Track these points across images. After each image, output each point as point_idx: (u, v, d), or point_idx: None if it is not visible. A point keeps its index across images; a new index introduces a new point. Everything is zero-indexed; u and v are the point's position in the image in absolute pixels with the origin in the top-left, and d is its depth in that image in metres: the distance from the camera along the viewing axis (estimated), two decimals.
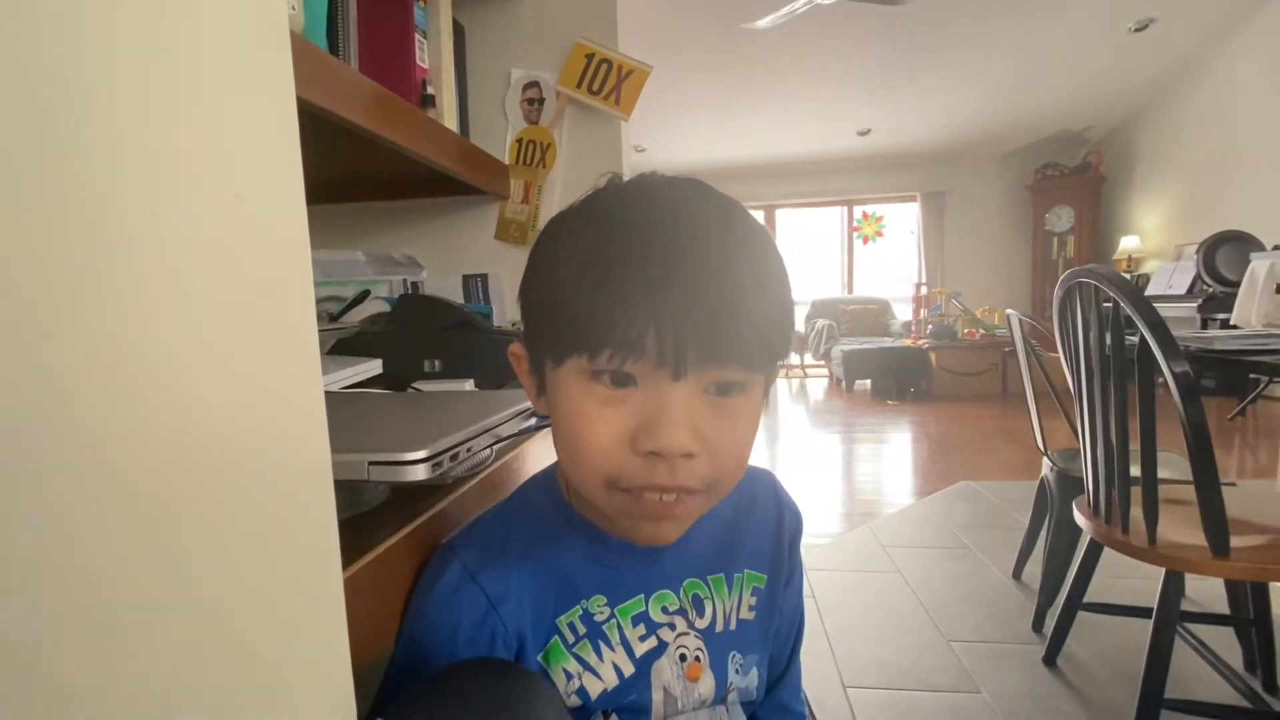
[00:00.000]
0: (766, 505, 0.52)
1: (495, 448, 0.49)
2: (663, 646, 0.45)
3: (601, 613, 0.43)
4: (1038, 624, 1.59)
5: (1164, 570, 1.06)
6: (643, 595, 0.45)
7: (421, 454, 0.36)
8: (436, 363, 0.83)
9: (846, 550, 2.13)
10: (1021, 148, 6.42)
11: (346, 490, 0.37)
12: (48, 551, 0.17)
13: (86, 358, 0.18)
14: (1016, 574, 1.88)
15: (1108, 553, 1.24)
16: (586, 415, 0.37)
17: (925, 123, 5.90)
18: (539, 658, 0.41)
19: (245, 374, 0.23)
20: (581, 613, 0.43)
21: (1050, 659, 1.45)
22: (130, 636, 0.19)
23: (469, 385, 0.79)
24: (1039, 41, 4.58)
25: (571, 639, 0.42)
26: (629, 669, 0.43)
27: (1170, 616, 1.07)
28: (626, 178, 0.41)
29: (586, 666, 0.42)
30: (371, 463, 0.36)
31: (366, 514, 0.41)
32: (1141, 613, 1.16)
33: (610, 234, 0.37)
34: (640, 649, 0.44)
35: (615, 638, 0.43)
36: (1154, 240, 5.61)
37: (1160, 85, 5.30)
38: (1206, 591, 1.68)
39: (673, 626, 0.45)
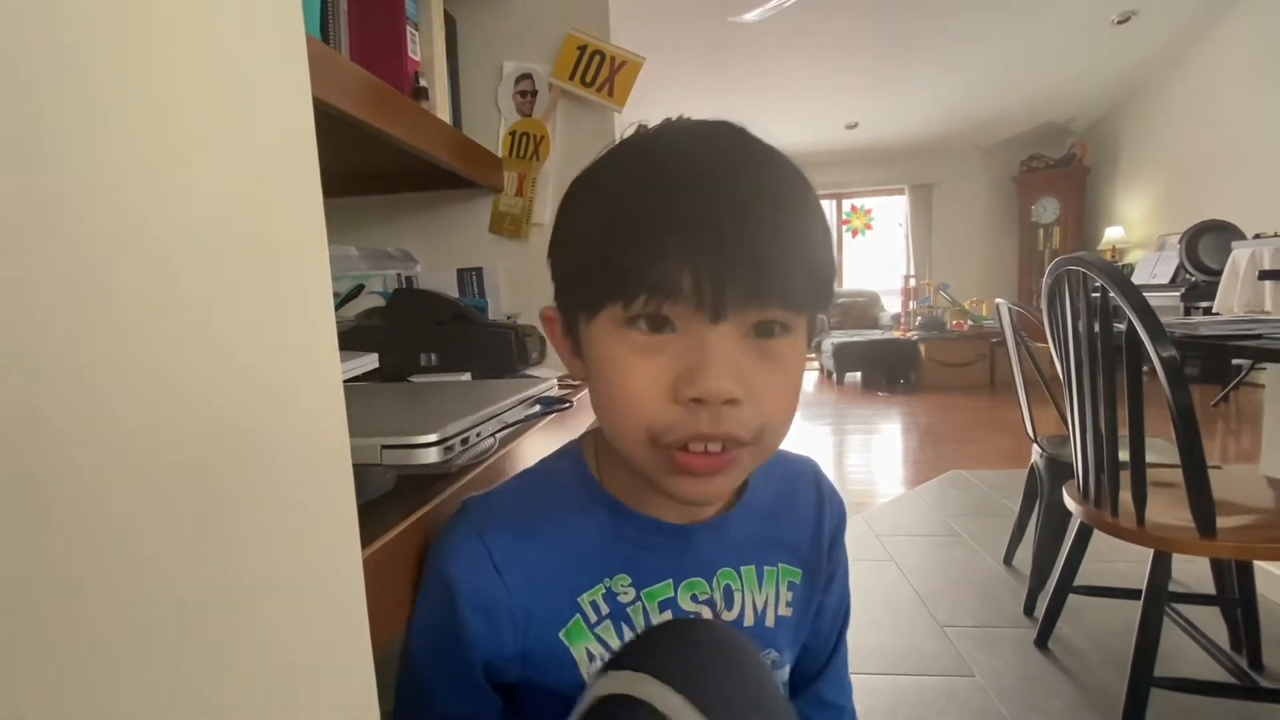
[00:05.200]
0: (806, 496, 0.49)
1: (500, 435, 0.49)
2: None
3: (626, 594, 0.41)
4: (1029, 608, 1.62)
5: (1152, 552, 1.08)
6: (671, 580, 0.42)
7: (434, 437, 0.37)
8: (433, 356, 0.83)
9: None
10: (1007, 140, 6.46)
11: (355, 478, 0.37)
12: (73, 537, 0.17)
13: (115, 346, 0.18)
14: (1008, 559, 1.90)
15: (1096, 537, 1.26)
16: (625, 366, 0.35)
17: (912, 116, 5.93)
18: (560, 635, 0.40)
19: (269, 359, 0.24)
20: (604, 591, 0.41)
21: (1042, 642, 1.47)
22: (157, 618, 0.19)
23: (466, 378, 0.79)
24: (1023, 34, 4.61)
25: (594, 618, 0.41)
26: None
27: (1158, 597, 1.09)
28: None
29: (608, 648, 0.41)
30: (384, 446, 0.36)
31: (373, 503, 0.42)
32: (1130, 594, 1.18)
33: (641, 176, 0.35)
34: None
35: (640, 621, 0.41)
36: (1138, 230, 5.68)
37: (1142, 77, 5.36)
38: (1193, 573, 1.72)
39: (699, 616, 0.43)
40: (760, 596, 0.45)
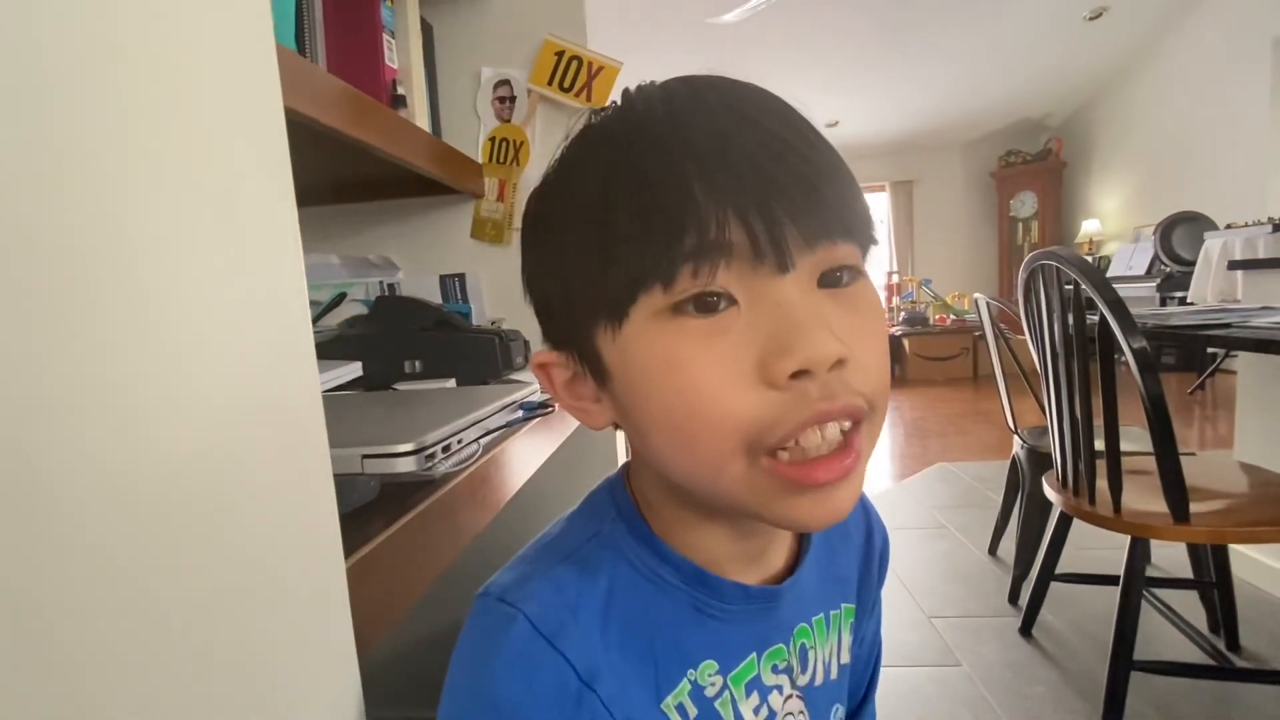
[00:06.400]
0: (855, 523, 0.43)
1: (484, 441, 0.49)
2: (771, 717, 0.35)
3: (713, 685, 0.33)
4: (1014, 597, 1.64)
5: (1129, 538, 1.11)
6: (755, 654, 0.34)
7: (413, 445, 0.37)
8: (417, 363, 0.83)
9: None
10: (985, 136, 6.55)
11: (337, 487, 0.37)
12: (55, 549, 0.18)
13: (92, 361, 0.19)
14: (992, 550, 1.93)
15: (1077, 526, 1.28)
16: (689, 362, 0.27)
17: (891, 113, 5.99)
18: None
19: (245, 372, 0.24)
20: (691, 689, 0.32)
21: (1026, 629, 1.50)
22: (135, 632, 0.20)
23: (450, 385, 0.80)
24: (998, 31, 4.68)
25: None
26: None
27: (1136, 582, 1.11)
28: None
29: None
30: (365, 455, 0.36)
31: (357, 511, 0.42)
32: (1111, 581, 1.21)
33: (633, 137, 0.28)
34: None
35: (729, 715, 0.33)
36: (1114, 223, 5.78)
37: (1115, 72, 5.45)
38: (1171, 558, 1.75)
39: (780, 689, 0.35)
40: (827, 649, 0.39)
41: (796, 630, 0.37)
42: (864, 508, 0.43)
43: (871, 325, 0.29)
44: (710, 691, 0.33)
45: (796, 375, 0.26)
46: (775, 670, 0.35)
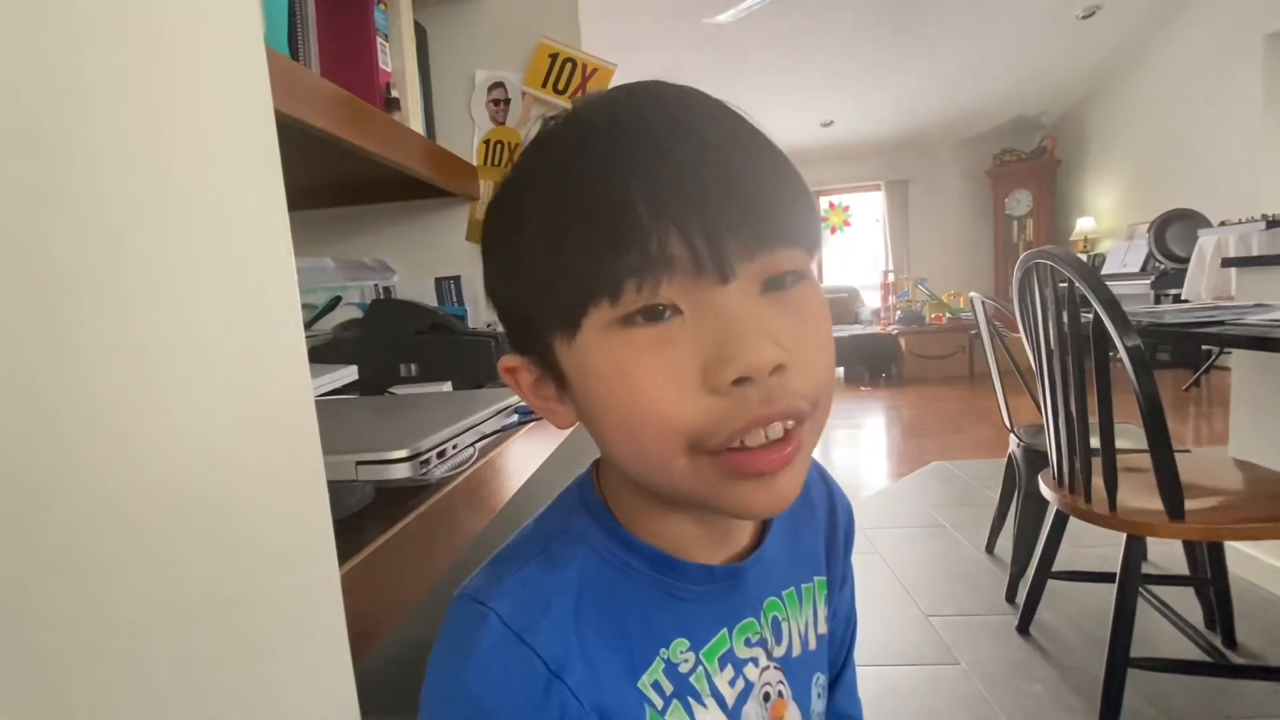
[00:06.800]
0: (819, 495, 0.45)
1: (479, 445, 0.49)
2: (749, 688, 0.36)
3: (685, 661, 0.35)
4: (1011, 595, 1.65)
5: (1125, 535, 1.11)
6: (726, 630, 0.36)
7: (407, 452, 0.37)
8: (413, 367, 0.83)
9: None
10: (979, 134, 6.57)
11: (332, 493, 0.37)
12: (49, 560, 0.18)
13: (79, 370, 0.19)
14: (989, 548, 1.94)
15: (1074, 523, 1.29)
16: (637, 371, 0.29)
17: (886, 112, 6.00)
18: None
19: (238, 380, 0.24)
20: (664, 666, 0.34)
21: (1023, 627, 1.50)
22: (134, 640, 0.20)
23: (446, 387, 0.79)
24: (991, 30, 4.70)
25: (660, 703, 0.33)
26: None
27: (1133, 579, 1.12)
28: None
29: None
30: (359, 462, 0.36)
31: (352, 517, 0.42)
32: (1107, 578, 1.21)
33: (578, 150, 0.29)
34: (731, 696, 0.36)
35: (704, 689, 0.35)
36: (1108, 220, 5.80)
37: (1109, 70, 5.47)
38: (1167, 555, 1.76)
39: (756, 662, 0.37)
40: (801, 620, 0.41)
41: (766, 604, 0.38)
42: (826, 483, 0.46)
43: (814, 328, 0.31)
44: (684, 668, 0.34)
45: (739, 381, 0.28)
46: (749, 643, 0.37)
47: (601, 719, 0.32)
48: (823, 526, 0.44)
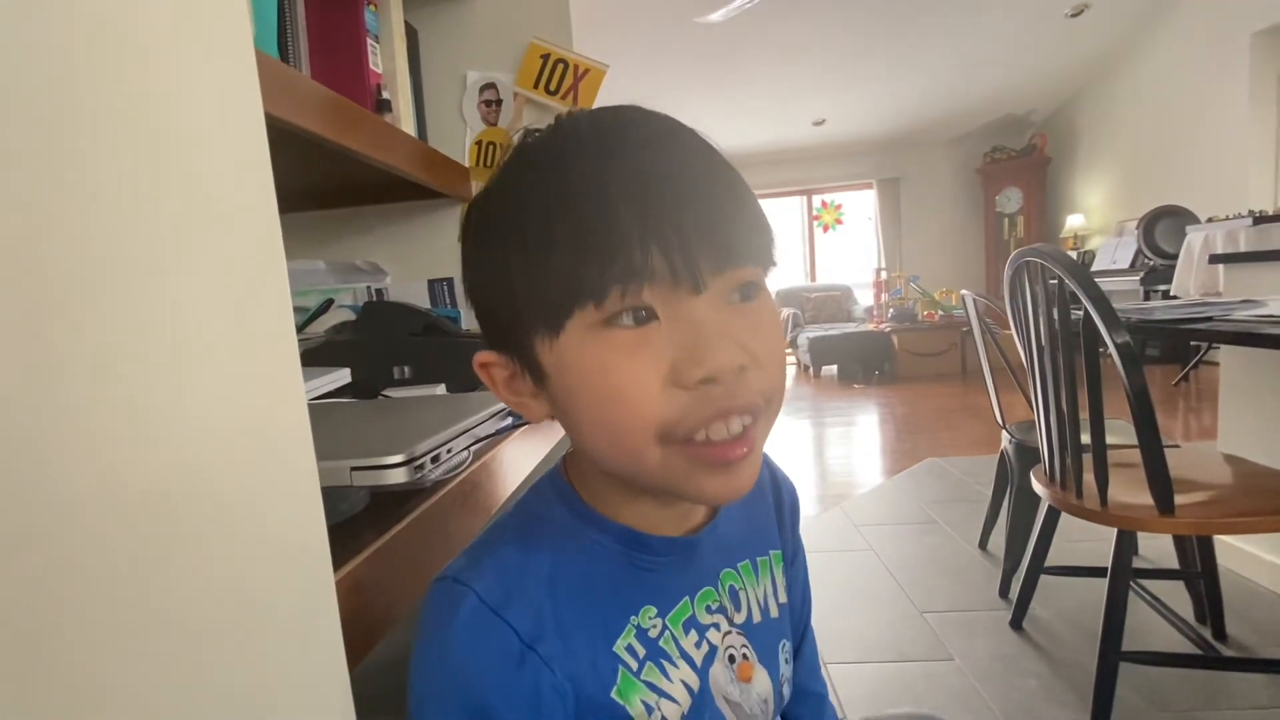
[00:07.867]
0: (764, 480, 0.49)
1: (473, 449, 0.49)
2: (713, 651, 0.40)
3: (654, 626, 0.38)
4: (1004, 590, 1.66)
5: (1116, 530, 1.12)
6: (688, 597, 0.40)
7: (402, 457, 0.37)
8: (406, 369, 0.83)
9: (820, 532, 2.18)
10: (970, 132, 6.60)
11: (327, 498, 0.37)
12: (41, 566, 0.18)
13: (66, 376, 0.19)
14: (982, 544, 1.95)
15: (1065, 518, 1.30)
16: (615, 368, 0.32)
17: (877, 110, 6.02)
18: (613, 695, 0.36)
19: (231, 386, 0.24)
20: (636, 631, 0.38)
21: (1016, 623, 1.51)
22: (129, 644, 0.20)
23: (440, 390, 0.79)
24: (981, 29, 4.72)
25: (635, 665, 0.37)
26: (696, 683, 0.39)
27: (1124, 574, 1.13)
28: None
29: (660, 693, 0.37)
30: (354, 468, 0.36)
31: (346, 522, 0.42)
32: (1099, 573, 1.22)
33: (568, 164, 0.33)
34: (698, 657, 0.39)
35: (674, 651, 0.39)
36: (1098, 217, 5.84)
37: (1097, 68, 5.51)
38: (1158, 549, 1.78)
39: (717, 627, 0.41)
40: (759, 590, 0.45)
41: (722, 575, 0.43)
42: (768, 467, 0.50)
43: (769, 333, 0.35)
44: (653, 633, 0.38)
45: (705, 380, 0.32)
46: (709, 610, 0.41)
47: (575, 687, 0.35)
48: (769, 503, 0.49)
